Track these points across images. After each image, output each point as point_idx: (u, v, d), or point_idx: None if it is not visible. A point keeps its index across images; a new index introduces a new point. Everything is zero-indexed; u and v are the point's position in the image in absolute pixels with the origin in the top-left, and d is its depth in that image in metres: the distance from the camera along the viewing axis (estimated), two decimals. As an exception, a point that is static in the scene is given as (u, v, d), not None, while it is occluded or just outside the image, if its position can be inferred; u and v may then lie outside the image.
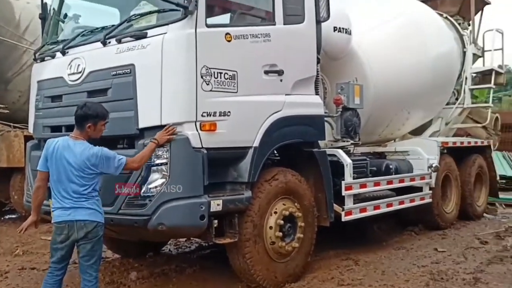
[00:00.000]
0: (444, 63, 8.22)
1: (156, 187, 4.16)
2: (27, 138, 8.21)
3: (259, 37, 4.76)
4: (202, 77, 4.26)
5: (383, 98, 7.11)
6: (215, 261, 5.89)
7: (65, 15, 5.60)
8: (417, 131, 8.81)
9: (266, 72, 4.84)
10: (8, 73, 8.49)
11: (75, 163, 3.76)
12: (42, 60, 5.43)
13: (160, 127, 4.23)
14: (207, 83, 4.30)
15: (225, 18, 4.84)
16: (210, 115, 4.32)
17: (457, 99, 9.48)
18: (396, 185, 6.80)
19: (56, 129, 5.06)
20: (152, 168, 4.19)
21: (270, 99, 4.87)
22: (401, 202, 6.86)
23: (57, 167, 3.80)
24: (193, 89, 4.22)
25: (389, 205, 6.59)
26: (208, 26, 4.34)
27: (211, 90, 4.33)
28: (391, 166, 7.07)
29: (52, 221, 3.89)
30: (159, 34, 4.25)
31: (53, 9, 5.67)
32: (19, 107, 8.87)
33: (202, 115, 4.27)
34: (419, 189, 7.41)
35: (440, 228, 7.86)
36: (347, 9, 6.75)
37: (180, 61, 4.22)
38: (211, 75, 4.33)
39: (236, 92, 4.53)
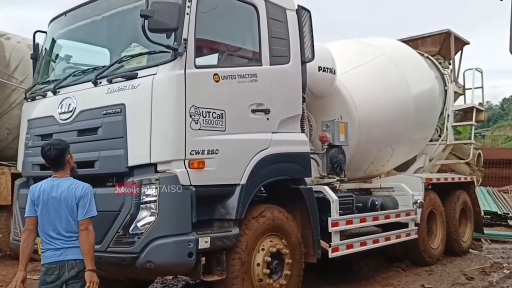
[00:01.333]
0: (426, 101, 8.46)
1: (144, 224, 4.20)
2: (14, 176, 8.23)
3: (246, 77, 4.92)
4: (190, 116, 4.38)
5: (367, 135, 7.28)
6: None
7: (57, 56, 5.73)
8: (402, 167, 8.97)
9: (253, 111, 4.98)
10: (-3, 111, 8.57)
11: (64, 200, 3.77)
12: (33, 99, 5.51)
13: (149, 165, 4.30)
14: (196, 122, 4.42)
15: (213, 58, 4.99)
16: (199, 153, 4.42)
17: (440, 135, 9.70)
18: (382, 221, 6.89)
19: (45, 167, 5.08)
20: (141, 205, 4.23)
21: (257, 137, 4.99)
22: (387, 238, 6.92)
23: (46, 209, 3.79)
24: (182, 128, 4.32)
25: (375, 241, 6.66)
26: (197, 67, 4.49)
27: (199, 129, 4.44)
28: (376, 202, 7.16)
29: (42, 262, 3.84)
30: (149, 75, 4.38)
31: (45, 49, 5.80)
32: (7, 145, 8.90)
33: (190, 153, 4.36)
34: (405, 225, 7.49)
35: (427, 264, 7.91)
36: (331, 49, 7.01)
37: (170, 100, 4.34)
38: (200, 114, 4.45)
39: (224, 131, 4.65)
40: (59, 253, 3.77)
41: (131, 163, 4.35)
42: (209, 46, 4.98)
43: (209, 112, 4.53)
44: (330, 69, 6.80)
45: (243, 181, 4.75)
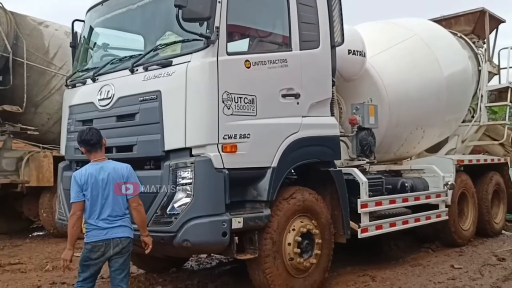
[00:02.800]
0: (458, 82, 8.38)
1: (181, 205, 4.42)
2: (56, 158, 8.64)
3: (276, 63, 5.04)
4: (223, 102, 4.55)
5: (397, 117, 7.31)
6: (236, 277, 6.09)
7: (94, 44, 5.97)
8: (433, 149, 8.95)
9: (284, 96, 5.10)
10: (38, 97, 8.94)
11: (113, 180, 4.08)
12: (74, 86, 5.78)
13: (185, 149, 4.50)
14: (228, 107, 4.58)
15: (244, 45, 5.12)
16: (231, 138, 4.59)
17: (473, 116, 9.61)
18: (411, 202, 6.94)
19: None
20: (178, 187, 4.45)
21: (287, 121, 5.12)
22: (417, 220, 6.98)
23: (95, 191, 4.04)
24: (215, 113, 4.50)
25: (405, 222, 6.73)
26: (228, 54, 4.64)
27: (231, 114, 4.61)
28: (406, 184, 7.22)
29: (86, 241, 4.09)
30: (184, 63, 4.55)
31: (83, 37, 6.04)
32: (48, 129, 9.31)
33: (223, 138, 4.54)
34: (435, 206, 7.53)
35: (457, 245, 7.94)
36: (361, 31, 7.03)
37: (203, 87, 4.51)
38: (232, 100, 4.61)
39: (255, 115, 4.80)
40: (105, 232, 4.05)
41: (167, 147, 4.55)
42: (240, 32, 5.11)
43: (240, 97, 4.68)
44: (360, 52, 6.82)
45: (274, 164, 4.90)
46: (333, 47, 5.72)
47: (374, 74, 7.20)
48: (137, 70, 4.91)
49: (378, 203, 6.30)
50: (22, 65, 8.60)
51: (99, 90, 5.20)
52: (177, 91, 4.53)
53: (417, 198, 7.07)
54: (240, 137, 4.65)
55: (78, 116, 5.51)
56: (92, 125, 5.27)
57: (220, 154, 4.51)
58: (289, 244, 5.09)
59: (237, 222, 4.54)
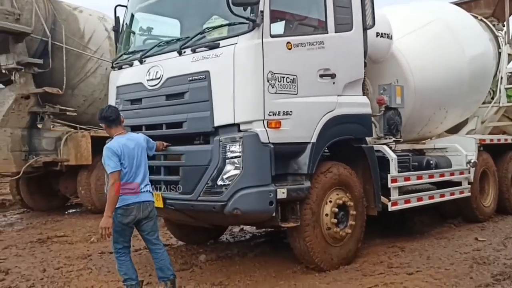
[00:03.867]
0: (480, 65, 8.61)
1: (230, 176, 4.79)
2: (93, 138, 9.06)
3: (314, 45, 5.36)
4: (268, 81, 4.89)
5: (422, 98, 7.59)
6: (272, 247, 6.49)
7: (139, 28, 6.32)
8: (453, 130, 9.21)
9: (321, 76, 5.43)
10: (74, 80, 9.34)
11: (140, 149, 4.54)
12: (120, 68, 6.14)
13: (233, 125, 4.87)
14: (272, 86, 4.93)
15: (285, 28, 5.45)
16: (275, 114, 4.95)
17: (492, 98, 9.82)
18: (437, 179, 7.27)
19: (135, 128, 5.76)
20: (227, 160, 4.82)
21: (324, 100, 5.46)
22: (442, 195, 7.31)
23: (129, 160, 4.44)
24: (261, 92, 4.85)
25: (431, 197, 7.07)
26: (272, 36, 4.97)
27: (275, 92, 4.96)
28: (431, 162, 7.53)
29: (118, 205, 4.35)
30: (231, 45, 4.89)
31: (126, 23, 6.38)
32: (83, 111, 9.73)
33: (268, 114, 4.90)
34: (458, 183, 7.83)
35: (479, 221, 8.25)
36: (387, 15, 7.30)
37: (250, 67, 4.86)
38: (275, 79, 4.95)
39: (296, 94, 5.15)
40: (136, 196, 4.43)
41: (216, 123, 4.92)
42: (282, 16, 5.42)
43: (283, 77, 5.02)
44: (387, 34, 7.10)
45: (313, 140, 5.25)
46: (365, 29, 6.02)
47: (400, 56, 7.46)
48: (184, 52, 5.26)
49: (407, 179, 6.63)
50: (60, 49, 8.98)
51: (148, 71, 5.55)
52: (225, 71, 4.87)
53: (442, 175, 7.39)
54: (283, 114, 5.00)
55: (126, 96, 5.88)
56: (141, 104, 5.69)
57: (266, 130, 4.87)
58: (326, 214, 5.46)
59: (281, 193, 4.91)
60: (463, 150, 7.99)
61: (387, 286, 4.81)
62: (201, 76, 5.01)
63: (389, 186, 6.27)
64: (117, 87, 6.07)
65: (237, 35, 4.91)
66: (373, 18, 6.16)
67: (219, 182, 4.84)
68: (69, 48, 8.99)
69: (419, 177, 6.91)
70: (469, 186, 7.93)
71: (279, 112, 4.97)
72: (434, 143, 8.46)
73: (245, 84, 4.84)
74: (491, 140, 8.82)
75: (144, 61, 5.72)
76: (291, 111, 5.06)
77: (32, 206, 10.53)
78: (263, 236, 7.50)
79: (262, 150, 4.82)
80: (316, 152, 5.26)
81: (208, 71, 4.97)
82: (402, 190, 6.74)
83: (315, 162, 5.26)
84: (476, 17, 9.71)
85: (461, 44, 8.20)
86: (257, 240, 7.36)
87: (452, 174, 7.62)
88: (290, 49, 5.11)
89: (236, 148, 4.78)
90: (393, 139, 7.16)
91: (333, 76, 5.53)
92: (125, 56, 6.18)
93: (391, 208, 6.28)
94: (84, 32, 9.53)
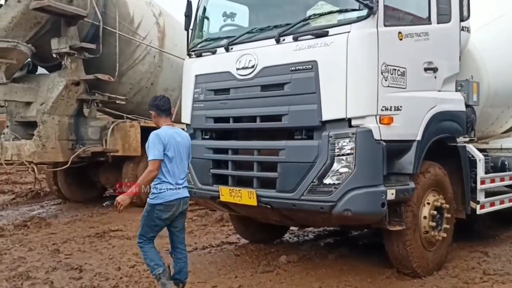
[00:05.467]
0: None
1: (340, 175, 4.45)
2: (143, 129, 8.70)
3: (421, 36, 5.02)
4: (382, 73, 4.55)
5: (494, 96, 7.25)
6: (351, 249, 6.17)
7: (218, 14, 5.94)
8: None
9: (425, 70, 5.09)
10: (123, 67, 8.91)
11: (185, 145, 4.41)
12: (199, 55, 5.76)
13: (342, 120, 4.52)
14: (385, 79, 4.59)
15: (392, 17, 5.07)
16: (388, 109, 4.61)
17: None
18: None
19: (220, 120, 5.41)
20: (336, 158, 4.47)
21: (429, 95, 5.13)
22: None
23: (175, 152, 4.27)
24: (375, 85, 4.51)
25: (510, 200, 6.76)
26: (385, 25, 4.61)
27: (388, 86, 4.62)
28: (506, 163, 7.21)
29: (158, 201, 4.22)
30: (343, 33, 4.53)
31: (203, 8, 6.00)
32: (129, 99, 9.33)
33: (381, 109, 4.56)
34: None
35: (542, 225, 7.99)
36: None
37: (365, 58, 4.51)
38: (388, 72, 4.61)
39: (405, 88, 4.81)
40: (177, 192, 4.29)
41: (325, 117, 4.56)
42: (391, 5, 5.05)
43: (395, 69, 4.68)
44: (468, 28, 6.75)
45: (419, 137, 4.92)
46: (461, 21, 5.68)
47: (474, 50, 7.11)
48: (283, 40, 4.89)
49: (492, 180, 6.31)
50: (110, 34, 8.56)
51: (238, 60, 5.19)
52: (336, 62, 4.52)
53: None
54: (394, 109, 4.66)
55: (209, 85, 5.51)
56: (228, 95, 5.33)
57: (378, 126, 4.53)
58: (424, 217, 5.14)
59: (391, 194, 4.58)
60: (531, 152, 7.68)
61: (506, 297, 4.49)
62: (307, 66, 4.65)
63: (478, 188, 5.95)
64: (197, 76, 5.69)
65: (350, 23, 4.55)
66: (468, 9, 5.81)
67: (327, 181, 4.50)
68: (120, 34, 8.56)
69: (502, 179, 6.59)
70: (539, 188, 7.64)
71: (391, 107, 4.63)
72: (501, 143, 8.12)
73: (359, 76, 4.49)
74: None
75: (231, 48, 5.35)
76: (401, 106, 4.72)
77: (69, 197, 10.16)
78: (329, 236, 7.17)
79: (375, 147, 4.48)
80: (420, 151, 4.93)
81: (315, 61, 4.61)
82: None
83: (420, 162, 4.93)
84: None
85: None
86: (324, 240, 7.03)
87: (527, 176, 7.31)
88: (401, 39, 4.77)
89: (348, 144, 4.43)
90: (469, 138, 6.85)
91: (435, 70, 5.19)
92: (204, 43, 5.80)
93: (479, 211, 5.96)
94: (134, 17, 9.10)
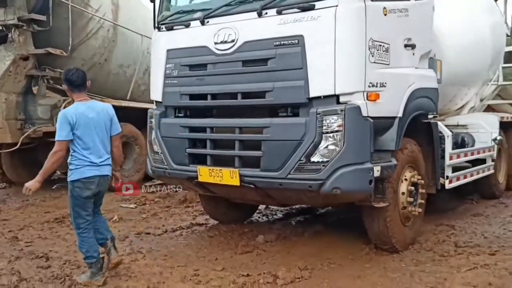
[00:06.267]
0: (500, 42, 8.67)
1: (328, 153, 4.36)
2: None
3: (402, 12, 4.99)
4: (369, 49, 4.48)
5: (454, 74, 7.47)
6: (324, 227, 6.17)
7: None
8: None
9: (405, 46, 5.08)
10: (74, 41, 8.27)
11: (103, 120, 4.30)
12: (170, 29, 5.44)
13: (329, 96, 4.42)
14: (372, 55, 4.52)
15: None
16: (374, 86, 4.56)
17: (491, 77, 9.96)
18: (475, 156, 7.22)
19: (196, 97, 5.16)
20: (324, 135, 4.37)
21: (408, 71, 5.14)
22: (478, 172, 7.30)
23: (87, 130, 4.16)
24: (363, 61, 4.43)
25: (471, 174, 7.02)
26: (372, 0, 4.53)
27: (374, 62, 4.56)
28: (465, 139, 7.48)
29: (76, 178, 4.17)
30: (330, 7, 4.39)
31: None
32: (81, 76, 8.72)
33: (368, 86, 4.50)
34: (482, 161, 7.84)
35: (495, 197, 8.38)
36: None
37: (353, 33, 4.41)
38: (375, 48, 4.55)
39: (388, 64, 4.77)
40: (97, 168, 4.22)
41: (312, 94, 4.43)
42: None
43: (380, 45, 4.63)
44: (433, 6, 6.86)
45: (400, 114, 4.92)
46: (433, -3, 5.72)
47: (436, 30, 7.25)
48: (266, 13, 4.70)
49: (457, 156, 6.50)
50: (60, 5, 7.92)
51: (215, 34, 4.94)
52: (324, 36, 4.39)
53: (478, 152, 7.35)
54: (379, 86, 4.62)
55: (184, 60, 5.22)
56: (205, 70, 5.08)
57: (366, 102, 4.47)
58: (403, 193, 5.19)
59: (376, 171, 4.57)
60: (488, 127, 8.00)
61: (488, 267, 4.63)
62: (293, 41, 4.48)
63: (446, 164, 6.10)
64: (168, 50, 5.38)
65: (338, -3, 4.42)
66: (440, -15, 5.86)
67: (315, 159, 4.41)
68: (73, 5, 7.93)
69: (466, 154, 6.82)
70: (493, 163, 7.99)
71: (376, 83, 4.58)
72: (458, 119, 8.41)
73: (348, 51, 4.39)
74: (507, 118, 8.91)
75: (207, 22, 5.09)
76: (385, 83, 4.69)
77: (15, 180, 9.49)
78: (298, 214, 7.14)
79: (363, 124, 4.43)
80: (401, 128, 4.94)
81: (302, 36, 4.45)
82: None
83: (401, 138, 4.95)
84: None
85: (485, 19, 8.19)
86: (294, 218, 6.99)
87: (483, 151, 7.61)
88: (385, 15, 4.71)
89: (337, 121, 4.35)
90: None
91: (413, 46, 5.20)
92: (176, 16, 5.47)
93: (448, 186, 6.14)
94: (85, -13, 8.49)
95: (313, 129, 4.39)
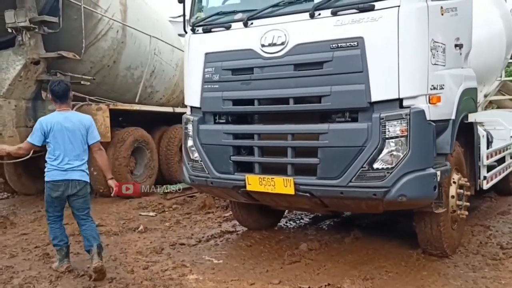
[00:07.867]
0: (509, 36, 8.70)
1: (392, 159, 4.20)
2: (112, 112, 7.90)
3: (453, 11, 4.86)
4: (431, 50, 4.33)
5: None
6: (363, 232, 6.03)
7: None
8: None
9: (455, 46, 4.96)
10: (84, 43, 7.91)
11: (78, 129, 4.64)
12: (208, 31, 5.18)
13: (394, 100, 4.25)
14: (433, 56, 4.38)
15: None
16: (435, 88, 4.41)
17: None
18: (502, 154, 7.19)
19: (241, 102, 4.93)
20: (387, 141, 4.21)
21: (459, 72, 5.02)
22: (505, 169, 7.29)
23: (60, 137, 4.56)
24: (426, 62, 4.29)
25: (500, 173, 6.98)
26: (432, -1, 4.39)
27: (435, 64, 4.42)
28: (489, 138, 7.43)
29: (47, 179, 4.64)
30: (392, 7, 4.20)
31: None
32: (89, 80, 8.36)
33: (430, 88, 4.35)
34: (502, 159, 7.83)
35: (510, 194, 8.42)
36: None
37: (417, 34, 4.25)
38: (435, 49, 4.41)
39: (445, 66, 4.64)
40: (65, 173, 4.58)
41: (374, 98, 4.25)
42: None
43: (439, 46, 4.49)
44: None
45: (453, 116, 4.80)
46: (473, -4, 5.61)
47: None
48: (319, 14, 4.50)
49: (491, 155, 6.45)
50: (69, 6, 7.51)
51: (262, 36, 4.71)
52: (386, 38, 4.21)
53: (504, 150, 7.33)
54: (439, 88, 4.48)
55: (226, 64, 4.97)
56: (252, 74, 4.86)
57: (428, 106, 4.32)
58: (452, 196, 5.09)
59: (438, 176, 4.43)
60: (507, 125, 7.99)
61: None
62: (352, 43, 4.29)
63: (484, 164, 6.03)
64: (207, 53, 5.12)
65: (400, -3, 4.25)
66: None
67: (377, 166, 4.23)
68: (78, 4, 7.51)
69: (496, 153, 6.78)
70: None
71: (437, 85, 4.44)
72: (475, 117, 8.38)
73: (412, 53, 4.22)
74: (521, 114, 8.93)
75: (251, 23, 4.86)
76: (443, 85, 4.55)
77: (18, 190, 9.07)
78: (325, 218, 6.98)
79: (427, 128, 4.29)
80: (454, 130, 4.82)
81: (362, 38, 4.26)
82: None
83: (454, 141, 4.83)
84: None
85: (496, 11, 8.19)
86: (324, 222, 6.84)
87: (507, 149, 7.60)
88: (442, 14, 4.58)
89: (401, 126, 4.19)
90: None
91: (461, 46, 5.08)
92: (214, 17, 5.21)
93: (485, 186, 6.07)
94: (94, -14, 8.10)
95: (376, 135, 4.22)
